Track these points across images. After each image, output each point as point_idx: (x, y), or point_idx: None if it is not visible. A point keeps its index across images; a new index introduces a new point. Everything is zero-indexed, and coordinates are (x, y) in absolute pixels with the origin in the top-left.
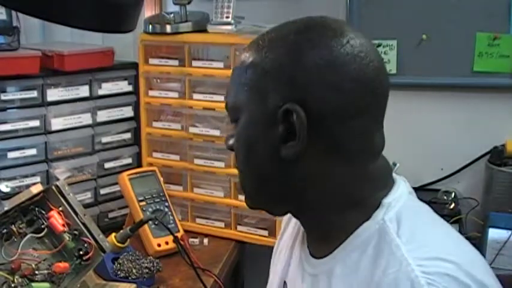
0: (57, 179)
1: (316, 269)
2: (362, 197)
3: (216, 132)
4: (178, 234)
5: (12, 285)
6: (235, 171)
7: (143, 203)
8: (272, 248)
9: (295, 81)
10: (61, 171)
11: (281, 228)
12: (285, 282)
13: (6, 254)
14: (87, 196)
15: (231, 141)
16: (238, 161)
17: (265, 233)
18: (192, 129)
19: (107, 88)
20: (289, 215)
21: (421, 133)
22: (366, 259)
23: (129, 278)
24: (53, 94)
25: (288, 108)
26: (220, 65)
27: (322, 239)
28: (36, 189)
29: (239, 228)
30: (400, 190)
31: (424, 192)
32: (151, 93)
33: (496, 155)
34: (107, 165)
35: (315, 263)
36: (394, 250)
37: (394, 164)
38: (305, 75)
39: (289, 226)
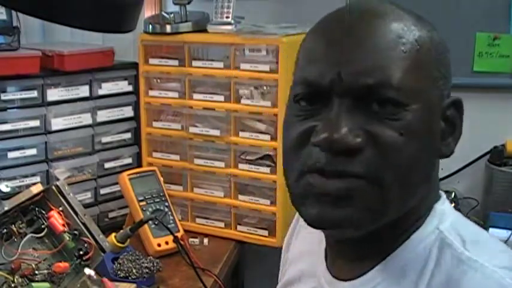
0: (57, 179)
1: None
2: (425, 199)
3: (216, 132)
4: (178, 234)
5: (12, 285)
6: (235, 171)
7: (143, 203)
8: (272, 248)
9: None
10: (61, 171)
11: (286, 239)
12: None
13: (6, 254)
14: (87, 196)
15: (357, 139)
16: (396, 160)
17: (265, 233)
18: (192, 129)
19: (107, 88)
20: (298, 226)
21: None
22: (424, 275)
23: (129, 278)
24: (53, 94)
25: (457, 99)
26: (220, 65)
27: (359, 256)
28: (36, 189)
29: (239, 228)
30: (444, 195)
31: None
32: (151, 93)
33: (496, 155)
34: (107, 165)
35: (346, 286)
36: (469, 263)
37: None
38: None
39: (297, 240)
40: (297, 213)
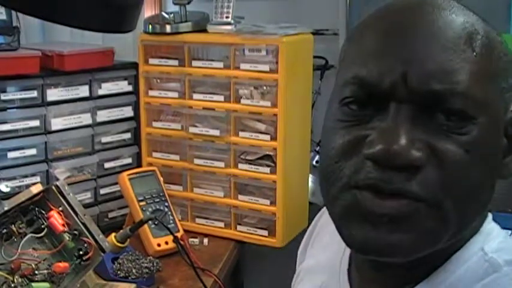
0: (57, 179)
1: None
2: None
3: (216, 132)
4: (178, 234)
5: (12, 285)
6: (235, 171)
7: (143, 203)
8: (272, 248)
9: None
10: (61, 171)
11: (302, 245)
12: None
13: (6, 254)
14: (87, 196)
15: (419, 153)
16: (459, 182)
17: (265, 233)
18: (192, 129)
19: (106, 88)
20: (315, 233)
21: None
22: None
23: (129, 278)
24: (52, 94)
25: None
26: (220, 65)
27: (394, 282)
28: (36, 189)
29: (239, 228)
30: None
31: None
32: (151, 93)
33: None
34: (107, 165)
35: None
36: None
37: None
38: None
39: (314, 249)
40: (316, 218)
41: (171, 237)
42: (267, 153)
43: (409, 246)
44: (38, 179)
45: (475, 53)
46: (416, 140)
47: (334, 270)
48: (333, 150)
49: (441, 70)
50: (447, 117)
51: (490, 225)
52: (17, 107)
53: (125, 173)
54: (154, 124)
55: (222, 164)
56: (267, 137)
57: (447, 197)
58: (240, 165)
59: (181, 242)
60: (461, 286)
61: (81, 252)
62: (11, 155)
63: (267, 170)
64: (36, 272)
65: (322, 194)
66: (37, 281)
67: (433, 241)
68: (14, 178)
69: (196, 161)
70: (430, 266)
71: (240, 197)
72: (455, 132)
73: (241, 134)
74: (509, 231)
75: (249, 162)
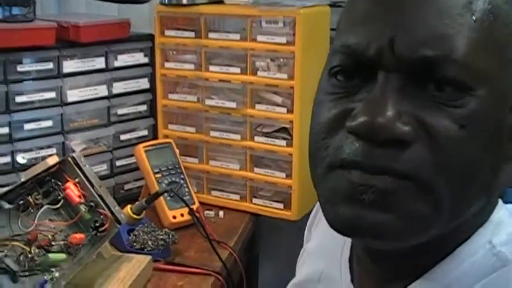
0: (73, 151)
1: None
2: (482, 211)
3: (232, 105)
4: (194, 207)
5: (29, 255)
6: (251, 143)
7: (159, 175)
8: (287, 221)
9: None
10: (77, 143)
11: (308, 224)
12: None
13: (23, 225)
14: (103, 168)
15: (406, 127)
16: (452, 161)
17: (281, 206)
18: (208, 101)
19: (122, 60)
20: (319, 214)
21: None
22: None
23: (145, 250)
24: (68, 66)
25: None
26: (237, 36)
27: (393, 274)
28: (52, 160)
29: (254, 201)
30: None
31: None
32: (167, 65)
33: None
34: (123, 137)
35: None
36: None
37: None
38: None
39: (317, 232)
40: None
41: (186, 210)
42: (283, 126)
43: (396, 229)
44: (54, 150)
45: (474, 18)
46: (404, 113)
47: (335, 257)
48: (319, 125)
49: (433, 35)
50: (440, 88)
51: (499, 214)
52: (32, 79)
53: (141, 145)
54: (170, 96)
55: (238, 137)
56: (284, 110)
57: (439, 177)
58: (256, 138)
59: (197, 215)
60: (466, 281)
61: (97, 224)
62: (27, 126)
63: (283, 142)
64: (53, 243)
65: (311, 175)
66: (54, 252)
67: (423, 226)
68: (30, 150)
69: (212, 133)
70: (432, 260)
71: (256, 169)
72: (449, 104)
73: (257, 106)
74: None
75: (265, 134)
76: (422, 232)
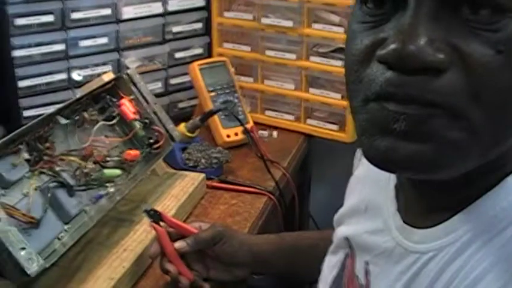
0: (128, 68)
1: (425, 243)
2: None
3: (289, 24)
4: (248, 126)
5: (85, 170)
6: (306, 63)
7: (213, 94)
8: (341, 143)
9: None
10: (131, 61)
11: (356, 155)
12: (347, 239)
13: (79, 140)
14: (158, 86)
15: (439, 55)
16: (489, 88)
17: (335, 127)
18: (264, 20)
19: None
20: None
21: None
22: None
23: (198, 168)
24: None
25: None
26: None
27: (438, 204)
28: (108, 77)
29: (308, 121)
30: None
31: None
32: None
33: None
34: (177, 55)
35: (422, 234)
36: None
37: None
38: None
39: (361, 165)
40: None
41: (240, 129)
42: (340, 46)
43: (430, 159)
44: (109, 68)
45: None
46: (437, 40)
47: (381, 186)
48: (352, 57)
49: None
50: (475, 11)
51: None
52: None
53: (196, 63)
54: (226, 14)
55: (293, 56)
56: (341, 30)
57: (474, 105)
58: (312, 58)
59: (251, 134)
60: None
61: (151, 141)
62: (83, 43)
63: (339, 63)
64: (108, 158)
65: (349, 105)
66: (108, 168)
67: (458, 155)
68: (85, 67)
69: (268, 52)
70: (478, 191)
71: (311, 90)
72: (485, 29)
73: (314, 25)
74: None
75: (321, 54)
76: (458, 162)
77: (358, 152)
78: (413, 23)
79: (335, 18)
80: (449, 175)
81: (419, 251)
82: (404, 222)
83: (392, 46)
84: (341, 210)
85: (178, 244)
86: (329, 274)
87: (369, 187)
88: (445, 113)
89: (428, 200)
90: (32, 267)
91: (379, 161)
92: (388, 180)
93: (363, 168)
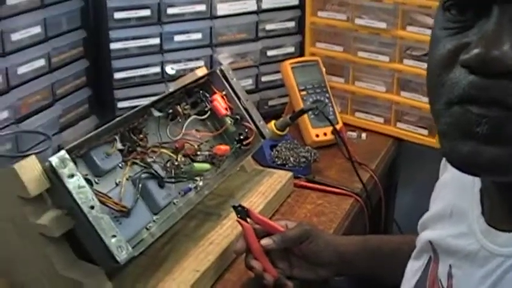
0: (220, 64)
1: (510, 247)
2: None
3: (383, 25)
4: (337, 126)
5: (176, 163)
6: (399, 66)
7: (304, 93)
8: (430, 148)
9: None
10: (224, 57)
11: (442, 162)
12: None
13: (171, 133)
14: (249, 83)
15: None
16: None
17: (425, 132)
18: (357, 21)
19: None
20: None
21: None
22: None
23: (286, 166)
24: None
25: None
26: None
27: None
28: (201, 72)
29: (398, 125)
30: None
31: None
32: None
33: None
34: (270, 52)
35: (508, 237)
36: None
37: None
38: None
39: (448, 171)
40: None
41: (329, 129)
42: None
43: (510, 163)
44: (201, 63)
45: None
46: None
47: (467, 190)
48: (435, 61)
49: None
50: None
51: None
52: None
53: (288, 62)
54: (320, 14)
55: (386, 58)
56: None
57: None
58: (405, 61)
59: (340, 134)
60: None
61: (241, 137)
62: (177, 38)
63: None
64: (198, 152)
65: (430, 110)
66: (198, 162)
67: None
68: (178, 61)
69: (360, 53)
70: None
71: (402, 93)
72: None
73: (408, 28)
74: None
75: (415, 58)
76: None
77: (443, 160)
78: (497, 30)
79: (430, 21)
80: None
81: (504, 254)
82: (489, 225)
83: (476, 51)
84: (426, 215)
85: (265, 241)
86: (412, 278)
87: (454, 192)
88: None
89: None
90: (122, 255)
91: (463, 165)
92: (473, 184)
93: (448, 174)
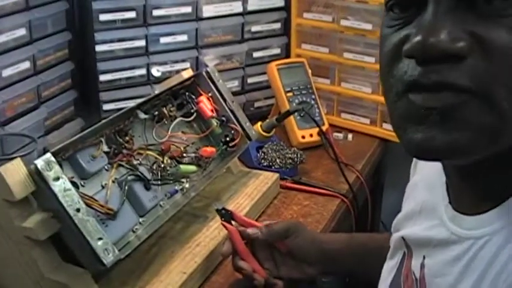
0: (206, 66)
1: (478, 229)
2: None
3: (368, 26)
4: (323, 128)
5: (162, 165)
6: None
7: (290, 94)
8: None
9: None
10: (210, 58)
11: (412, 164)
12: (403, 239)
13: (157, 135)
14: (235, 84)
15: (459, 43)
16: (509, 68)
17: None
18: (343, 22)
19: None
20: None
21: None
22: None
23: (273, 167)
24: None
25: None
26: None
27: (485, 188)
28: (187, 74)
29: (384, 126)
30: None
31: None
32: None
33: None
34: (256, 54)
35: (474, 221)
36: None
37: None
38: None
39: (417, 167)
40: None
41: (315, 130)
42: None
43: (465, 145)
44: (187, 65)
45: None
46: (456, 31)
47: (435, 185)
48: (383, 57)
49: None
50: (489, 2)
51: None
52: None
53: (274, 63)
54: (305, 15)
55: (372, 60)
56: None
57: (498, 87)
58: None
59: (326, 136)
60: None
61: (227, 139)
62: (163, 40)
63: None
64: (184, 154)
65: (386, 104)
66: (185, 163)
67: (491, 137)
68: (164, 63)
69: (346, 54)
70: None
71: None
72: (501, 15)
73: None
74: None
75: None
76: (492, 144)
77: (414, 160)
78: (434, 18)
79: None
80: (485, 154)
81: (473, 237)
82: (456, 210)
83: (415, 39)
84: (398, 217)
85: (252, 230)
86: (387, 277)
87: (423, 191)
88: (474, 97)
89: (476, 187)
90: (108, 258)
91: (418, 152)
92: (440, 178)
93: (417, 175)
